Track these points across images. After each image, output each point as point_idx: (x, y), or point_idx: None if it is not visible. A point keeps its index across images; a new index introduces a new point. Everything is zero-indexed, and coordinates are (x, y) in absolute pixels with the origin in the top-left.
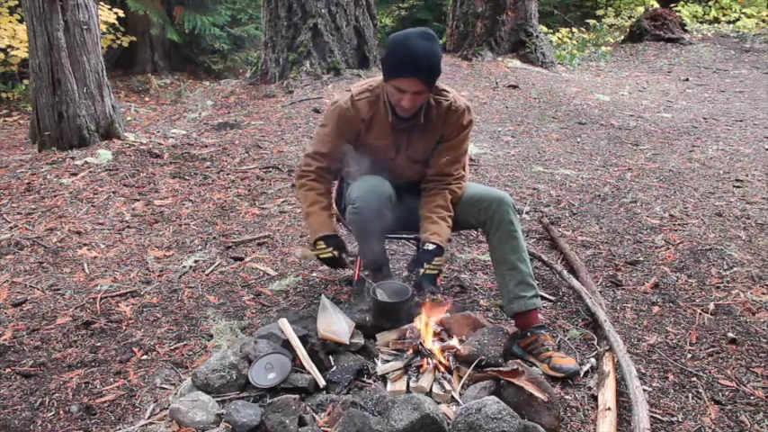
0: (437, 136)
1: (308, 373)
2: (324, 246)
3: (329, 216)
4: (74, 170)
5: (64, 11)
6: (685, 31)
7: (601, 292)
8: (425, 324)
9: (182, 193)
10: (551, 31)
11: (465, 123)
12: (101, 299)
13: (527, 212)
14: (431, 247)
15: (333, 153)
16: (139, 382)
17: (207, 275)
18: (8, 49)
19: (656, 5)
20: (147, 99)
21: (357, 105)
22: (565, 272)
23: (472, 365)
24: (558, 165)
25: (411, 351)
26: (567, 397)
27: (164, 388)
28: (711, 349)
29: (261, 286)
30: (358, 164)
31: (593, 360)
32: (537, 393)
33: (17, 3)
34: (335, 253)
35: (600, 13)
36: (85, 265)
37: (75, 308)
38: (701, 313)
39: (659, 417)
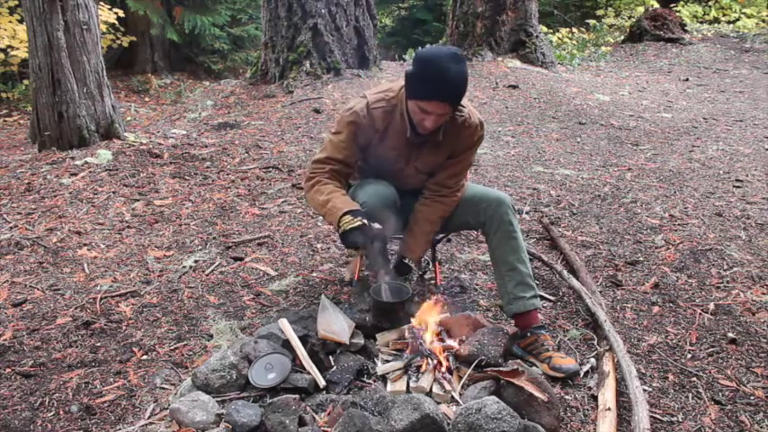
0: (448, 151)
1: (308, 373)
2: (350, 218)
3: (350, 198)
4: (74, 170)
5: (64, 11)
6: (685, 31)
7: (601, 292)
8: (425, 324)
9: (182, 193)
10: (551, 31)
11: (476, 140)
12: (101, 299)
13: (527, 212)
14: (411, 263)
15: (346, 159)
16: (139, 382)
17: (207, 275)
18: (8, 49)
19: (656, 5)
20: (147, 99)
21: (372, 114)
22: (565, 272)
23: (472, 365)
24: (558, 165)
25: (411, 351)
26: (567, 397)
27: (164, 388)
28: (711, 349)
29: (261, 286)
30: (365, 170)
31: (593, 360)
32: (537, 393)
33: (17, 3)
34: (365, 221)
35: (600, 13)
36: (85, 265)
37: (75, 308)
38: (701, 313)
39: (659, 417)
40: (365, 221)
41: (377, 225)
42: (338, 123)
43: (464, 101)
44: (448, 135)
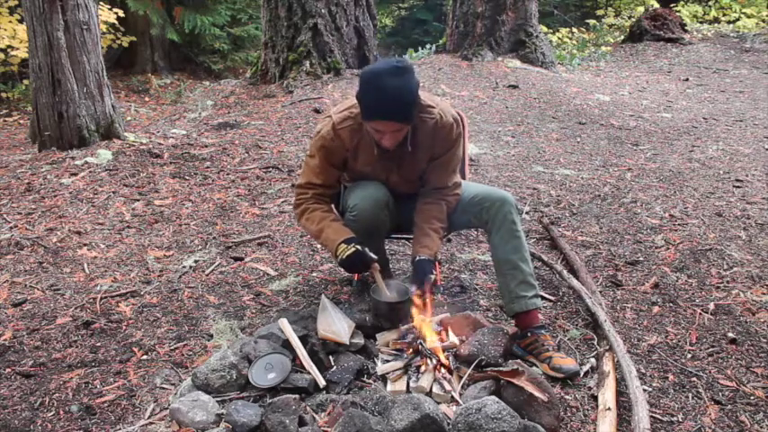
0: (428, 155)
1: (308, 373)
2: (345, 246)
3: (342, 224)
4: (74, 170)
5: (64, 11)
6: (685, 31)
7: (601, 292)
8: (425, 324)
9: (182, 193)
10: (551, 31)
11: (454, 138)
12: (101, 299)
13: (526, 212)
14: (428, 258)
15: (326, 183)
16: (139, 382)
17: (207, 275)
18: (8, 49)
19: (656, 5)
20: (147, 99)
21: (340, 135)
22: (565, 272)
23: (472, 365)
24: (558, 165)
25: (411, 351)
26: (567, 397)
27: (164, 388)
28: (711, 349)
29: (261, 286)
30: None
31: (593, 360)
32: (537, 393)
33: (17, 3)
34: (359, 246)
35: (600, 13)
36: (85, 265)
37: (75, 308)
38: (700, 313)
39: (659, 417)
40: (358, 247)
41: (370, 253)
42: (311, 146)
43: (434, 99)
44: (422, 140)
